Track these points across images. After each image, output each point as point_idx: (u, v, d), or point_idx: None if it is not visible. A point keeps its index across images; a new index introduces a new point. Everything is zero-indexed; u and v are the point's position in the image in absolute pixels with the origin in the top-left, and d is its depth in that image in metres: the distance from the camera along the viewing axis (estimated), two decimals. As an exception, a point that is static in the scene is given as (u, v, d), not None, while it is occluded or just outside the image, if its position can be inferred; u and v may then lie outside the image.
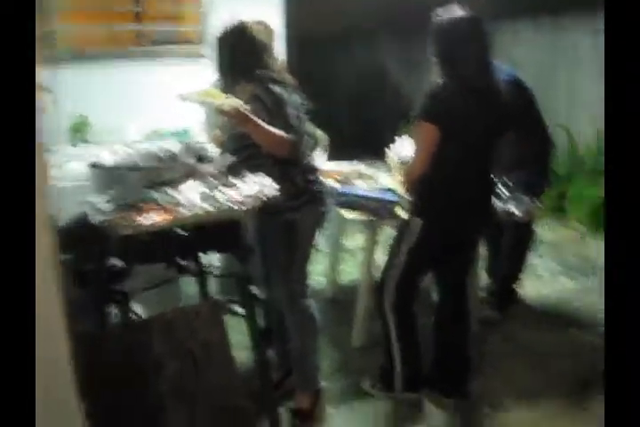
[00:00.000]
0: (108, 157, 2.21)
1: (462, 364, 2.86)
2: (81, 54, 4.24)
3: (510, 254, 3.63)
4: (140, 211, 1.71)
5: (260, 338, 2.40)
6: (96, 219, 1.67)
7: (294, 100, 2.44)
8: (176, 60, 4.60)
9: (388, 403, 2.83)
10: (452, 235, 2.68)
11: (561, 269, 4.56)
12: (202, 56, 4.63)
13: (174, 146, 2.45)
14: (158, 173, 1.93)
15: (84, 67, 4.10)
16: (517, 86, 3.06)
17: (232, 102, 2.19)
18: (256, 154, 2.35)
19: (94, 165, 2.07)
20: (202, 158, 2.20)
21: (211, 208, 1.77)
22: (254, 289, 2.82)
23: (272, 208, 2.27)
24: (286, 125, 2.33)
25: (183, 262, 1.91)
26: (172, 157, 2.19)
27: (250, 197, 1.84)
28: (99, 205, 1.72)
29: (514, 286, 3.76)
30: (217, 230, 1.84)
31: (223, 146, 2.55)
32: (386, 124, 8.34)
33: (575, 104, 5.86)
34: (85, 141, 4.05)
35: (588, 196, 5.24)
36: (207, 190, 1.85)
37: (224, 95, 2.26)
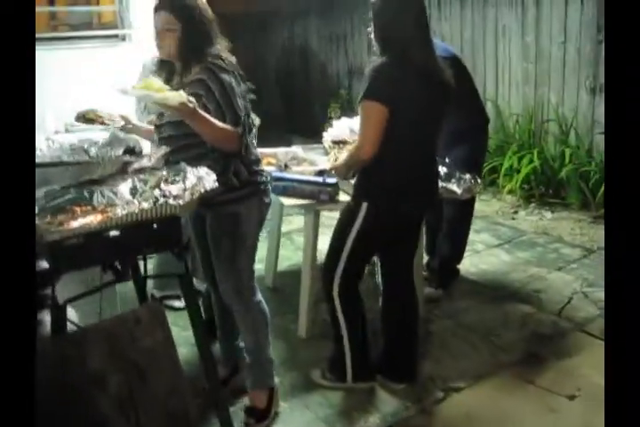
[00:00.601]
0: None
1: (412, 347, 2.84)
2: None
3: (451, 232, 3.62)
4: (68, 213, 1.56)
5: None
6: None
7: (241, 89, 2.30)
8: (94, 44, 4.37)
9: (341, 393, 2.77)
10: (400, 217, 2.62)
11: (497, 243, 4.62)
12: (122, 39, 4.43)
13: (100, 136, 2.29)
14: (87, 170, 1.77)
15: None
16: (455, 63, 3.02)
17: (177, 96, 2.00)
18: (198, 143, 2.21)
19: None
20: (131, 150, 2.05)
21: (146, 205, 1.64)
22: (195, 282, 2.71)
23: (214, 201, 2.15)
24: (235, 118, 2.19)
25: (119, 266, 1.77)
26: (101, 150, 2.05)
27: (187, 190, 1.71)
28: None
29: (455, 263, 3.76)
30: (155, 228, 1.71)
31: (159, 134, 2.40)
32: (315, 105, 8.27)
33: (503, 79, 5.90)
34: None
35: (520, 169, 5.32)
36: (141, 186, 1.71)
37: (166, 87, 2.06)
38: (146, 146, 2.48)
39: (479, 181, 3.10)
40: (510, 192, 5.44)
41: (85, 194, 1.63)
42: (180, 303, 3.45)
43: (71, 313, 2.32)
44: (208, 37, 2.25)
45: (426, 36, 2.45)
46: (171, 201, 1.66)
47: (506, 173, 5.42)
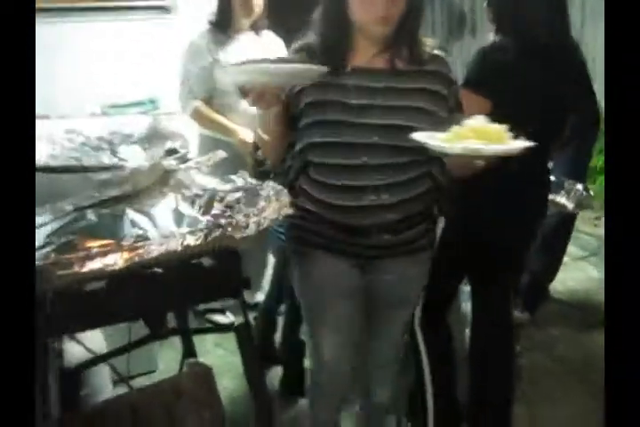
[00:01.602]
0: (42, 151, 1.55)
1: (506, 392, 2.31)
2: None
3: (547, 246, 3.05)
4: (81, 249, 1.07)
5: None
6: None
7: None
8: (137, 17, 3.88)
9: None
10: (486, 233, 2.09)
11: (582, 255, 4.06)
12: (167, 11, 3.92)
13: (137, 124, 1.80)
14: (114, 180, 1.28)
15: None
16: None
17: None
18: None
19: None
20: (173, 150, 1.55)
21: (193, 241, 1.13)
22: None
23: (407, 247, 1.69)
24: None
25: (156, 319, 1.28)
26: (134, 149, 1.56)
27: (251, 217, 1.20)
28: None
29: (548, 282, 3.21)
30: (206, 268, 1.21)
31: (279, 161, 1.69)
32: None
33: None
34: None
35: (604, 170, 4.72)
36: (187, 208, 1.21)
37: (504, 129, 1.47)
38: (193, 144, 2.00)
39: (591, 192, 2.55)
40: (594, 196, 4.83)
41: (109, 220, 1.13)
42: (225, 319, 2.97)
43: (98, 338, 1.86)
44: None
45: (556, 10, 1.90)
46: (229, 233, 1.15)
47: (589, 176, 4.81)
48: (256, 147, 2.45)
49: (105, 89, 3.68)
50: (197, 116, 2.69)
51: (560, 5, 1.92)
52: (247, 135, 2.62)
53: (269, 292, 2.59)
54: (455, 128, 1.43)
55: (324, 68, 1.43)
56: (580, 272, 3.80)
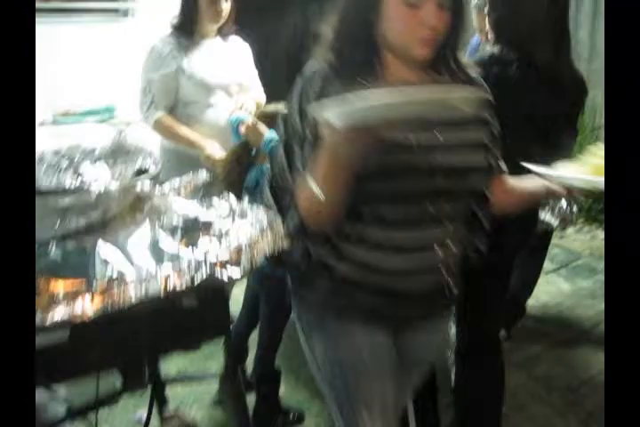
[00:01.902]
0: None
1: (496, 419, 2.20)
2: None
3: (525, 262, 2.96)
4: (44, 293, 0.90)
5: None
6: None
7: None
8: (91, 19, 3.68)
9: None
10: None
11: (551, 267, 4.01)
12: (123, 15, 3.73)
13: (98, 135, 1.62)
14: (80, 206, 1.10)
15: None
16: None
17: None
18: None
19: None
20: (144, 170, 1.37)
21: (178, 282, 0.96)
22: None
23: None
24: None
25: (129, 369, 1.11)
26: (99, 168, 1.37)
27: (242, 251, 1.03)
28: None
29: (525, 299, 3.13)
30: (190, 311, 1.04)
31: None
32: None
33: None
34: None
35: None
36: (167, 240, 1.04)
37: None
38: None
39: (576, 209, 2.47)
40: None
41: (76, 258, 0.96)
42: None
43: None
44: None
45: (559, 30, 1.80)
46: (218, 273, 0.98)
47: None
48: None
49: (56, 95, 3.47)
50: (161, 128, 2.50)
51: (562, 28, 1.82)
52: (215, 151, 2.44)
53: (240, 316, 2.41)
54: (586, 159, 1.24)
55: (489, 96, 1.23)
56: (550, 286, 3.74)
